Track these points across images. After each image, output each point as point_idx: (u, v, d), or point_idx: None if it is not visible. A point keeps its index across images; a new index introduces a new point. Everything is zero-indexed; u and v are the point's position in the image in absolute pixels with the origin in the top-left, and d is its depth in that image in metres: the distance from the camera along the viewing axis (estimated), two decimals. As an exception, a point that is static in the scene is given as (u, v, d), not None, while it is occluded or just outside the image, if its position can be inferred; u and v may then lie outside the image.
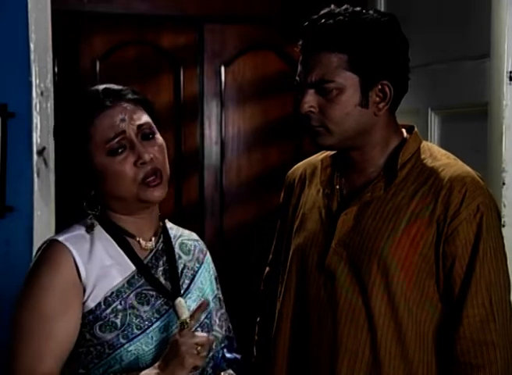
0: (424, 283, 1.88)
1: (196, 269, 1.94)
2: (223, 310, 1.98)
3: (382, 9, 3.47)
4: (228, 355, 1.90)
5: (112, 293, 1.79)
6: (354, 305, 1.91)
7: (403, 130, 2.01)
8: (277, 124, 4.10)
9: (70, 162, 1.87)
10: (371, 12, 1.91)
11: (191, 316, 1.75)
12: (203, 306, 1.80)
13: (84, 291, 1.78)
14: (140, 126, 1.82)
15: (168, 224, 1.98)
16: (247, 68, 4.10)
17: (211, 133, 4.05)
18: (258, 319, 2.23)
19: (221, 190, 4.06)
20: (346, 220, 1.95)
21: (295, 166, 2.19)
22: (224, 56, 4.06)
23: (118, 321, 1.77)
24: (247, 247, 4.05)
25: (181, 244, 1.96)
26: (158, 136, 1.86)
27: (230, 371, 1.89)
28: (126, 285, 1.81)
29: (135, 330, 1.77)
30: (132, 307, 1.79)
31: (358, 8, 1.91)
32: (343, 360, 1.90)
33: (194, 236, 2.03)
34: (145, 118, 1.85)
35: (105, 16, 3.90)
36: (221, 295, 2.00)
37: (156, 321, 1.80)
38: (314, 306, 1.96)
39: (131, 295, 1.80)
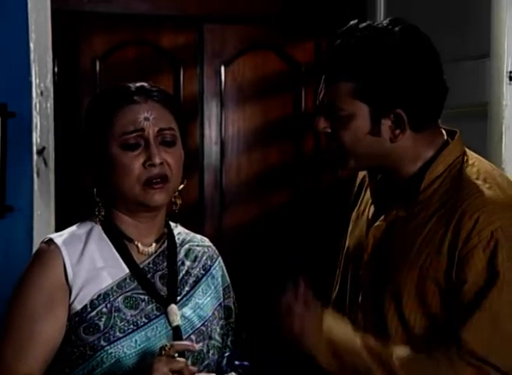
0: (439, 308, 1.78)
1: (200, 275, 1.92)
2: (231, 320, 1.95)
3: (382, 10, 3.47)
4: (236, 363, 1.90)
5: (99, 296, 1.78)
6: (375, 326, 1.85)
7: (442, 139, 1.86)
8: (277, 124, 4.10)
9: (88, 147, 1.86)
10: (396, 29, 1.77)
11: (171, 346, 1.69)
12: (190, 347, 1.74)
13: (70, 292, 1.77)
14: (161, 130, 1.81)
15: (178, 229, 1.97)
16: (246, 68, 4.09)
17: (211, 133, 4.05)
18: None
19: (221, 190, 4.06)
20: (375, 235, 1.88)
21: None
22: (224, 56, 4.06)
23: (101, 324, 1.76)
24: (246, 247, 4.05)
25: (187, 250, 1.94)
26: (179, 146, 1.84)
27: (233, 373, 1.88)
28: (114, 288, 1.80)
29: (117, 333, 1.76)
30: (117, 310, 1.78)
31: (384, 24, 1.79)
32: None
33: (206, 242, 2.00)
34: (170, 124, 1.83)
35: (105, 15, 3.90)
36: (231, 304, 1.97)
37: (143, 325, 1.78)
38: (348, 316, 1.91)
39: (119, 298, 1.79)
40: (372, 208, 1.94)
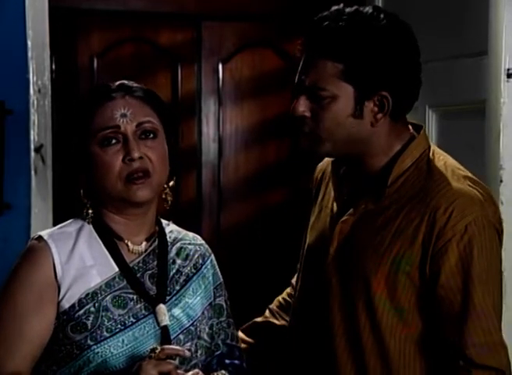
0: (410, 302, 1.79)
1: (191, 274, 1.90)
2: (223, 318, 1.93)
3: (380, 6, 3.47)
4: (226, 361, 1.89)
5: (87, 294, 1.77)
6: (344, 320, 1.85)
7: (409, 133, 1.89)
8: (275, 121, 4.10)
9: (70, 147, 1.85)
10: (381, 16, 1.80)
11: (162, 349, 1.69)
12: (180, 352, 1.72)
13: (59, 290, 1.77)
14: (140, 124, 1.80)
15: (170, 227, 1.95)
16: (244, 65, 4.09)
17: (208, 130, 4.05)
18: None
19: (218, 187, 4.06)
20: (343, 229, 1.88)
21: (325, 158, 2.09)
22: (222, 53, 4.06)
23: (89, 323, 1.75)
24: (244, 244, 4.05)
25: (179, 248, 1.92)
26: (160, 140, 1.82)
27: (223, 371, 1.87)
28: (103, 287, 1.79)
29: (104, 333, 1.75)
30: (105, 309, 1.77)
31: (369, 11, 1.80)
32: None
33: (198, 240, 1.98)
34: (149, 117, 1.82)
35: (103, 13, 3.90)
36: (223, 303, 1.95)
37: (131, 325, 1.77)
38: (312, 311, 1.92)
39: (107, 297, 1.78)
40: (334, 204, 1.93)
